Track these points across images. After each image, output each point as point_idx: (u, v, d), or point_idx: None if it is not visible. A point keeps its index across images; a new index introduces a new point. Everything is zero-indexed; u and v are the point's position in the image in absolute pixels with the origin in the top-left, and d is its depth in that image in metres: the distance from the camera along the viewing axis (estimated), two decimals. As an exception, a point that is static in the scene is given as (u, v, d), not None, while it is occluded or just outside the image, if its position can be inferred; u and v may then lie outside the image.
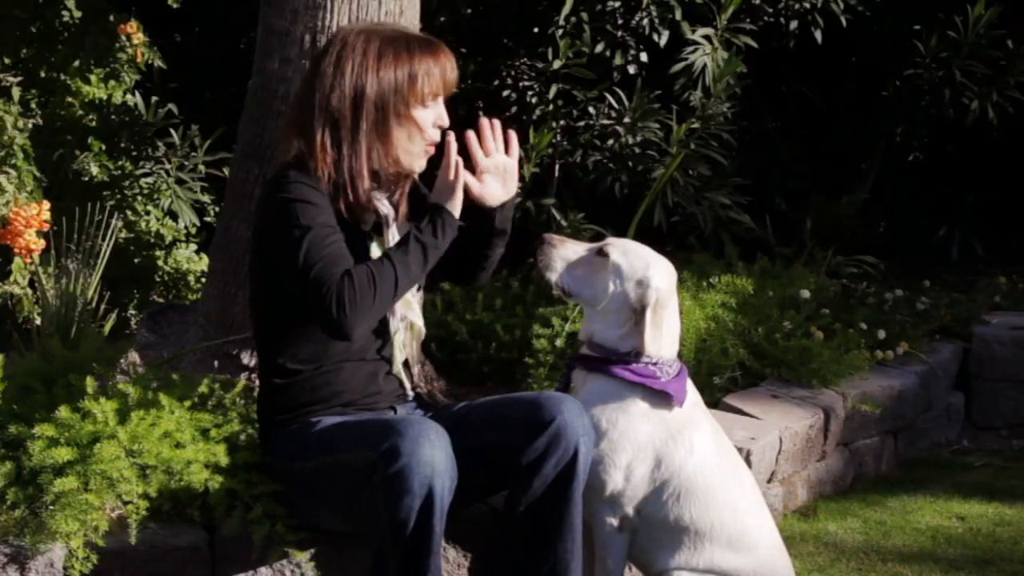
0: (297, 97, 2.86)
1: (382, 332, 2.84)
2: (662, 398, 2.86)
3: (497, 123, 2.82)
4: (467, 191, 2.76)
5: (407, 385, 2.91)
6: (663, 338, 2.87)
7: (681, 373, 2.93)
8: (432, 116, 2.79)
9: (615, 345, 2.88)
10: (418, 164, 2.83)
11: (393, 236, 2.84)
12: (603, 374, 2.88)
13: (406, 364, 2.96)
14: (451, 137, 2.74)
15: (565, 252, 2.94)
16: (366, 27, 2.81)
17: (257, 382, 3.53)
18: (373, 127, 2.73)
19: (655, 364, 2.86)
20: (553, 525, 2.70)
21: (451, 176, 2.72)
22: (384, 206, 2.83)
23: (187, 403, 2.96)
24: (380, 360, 2.86)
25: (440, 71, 2.77)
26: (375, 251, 2.80)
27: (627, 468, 2.83)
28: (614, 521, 2.86)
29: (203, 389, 3.16)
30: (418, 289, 2.94)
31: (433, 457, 2.48)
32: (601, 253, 2.90)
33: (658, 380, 2.85)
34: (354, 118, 2.72)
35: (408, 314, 2.90)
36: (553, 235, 2.98)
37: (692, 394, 2.95)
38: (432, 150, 2.83)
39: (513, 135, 2.83)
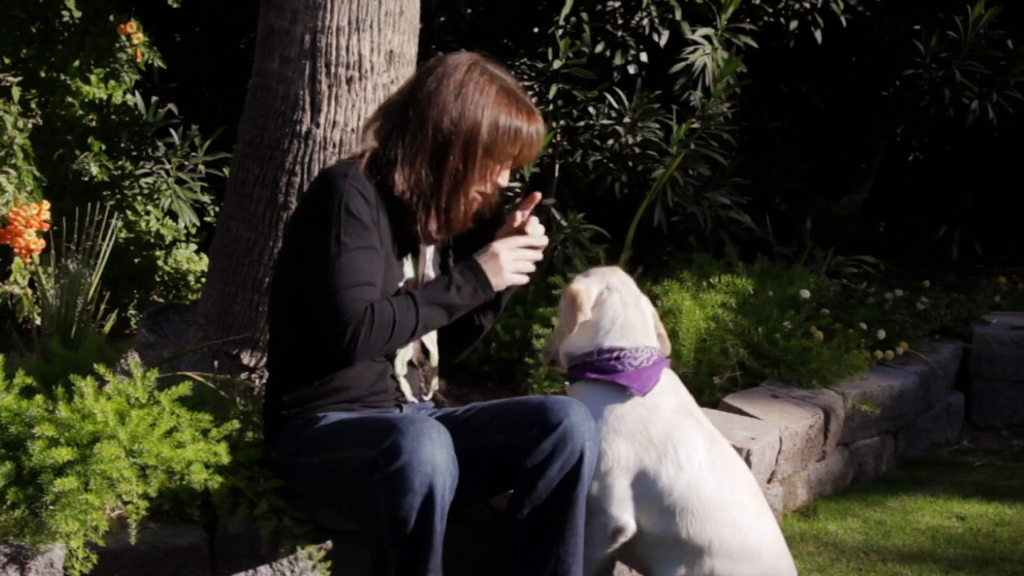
0: (398, 106, 2.82)
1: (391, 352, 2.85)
2: (621, 390, 2.90)
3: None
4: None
5: (407, 393, 2.91)
6: (584, 311, 2.94)
7: (655, 365, 2.95)
8: (502, 173, 2.82)
9: (577, 349, 2.98)
10: (468, 213, 2.84)
11: (427, 259, 2.87)
12: (578, 380, 2.97)
13: (413, 373, 2.97)
14: (532, 203, 2.83)
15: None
16: (480, 63, 2.81)
17: (257, 382, 3.54)
18: (474, 167, 2.75)
19: (617, 358, 2.91)
20: (556, 528, 2.70)
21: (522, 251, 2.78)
22: None
23: (187, 403, 2.95)
24: (389, 361, 2.87)
25: (536, 139, 2.81)
26: (408, 270, 2.83)
27: (605, 473, 2.85)
28: (605, 524, 2.86)
29: (203, 389, 3.16)
30: None
31: (434, 455, 2.49)
32: None
33: (619, 373, 2.90)
34: (465, 153, 2.74)
35: (424, 341, 2.93)
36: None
37: (679, 400, 2.96)
38: (479, 203, 2.84)
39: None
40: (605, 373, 2.91)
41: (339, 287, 2.63)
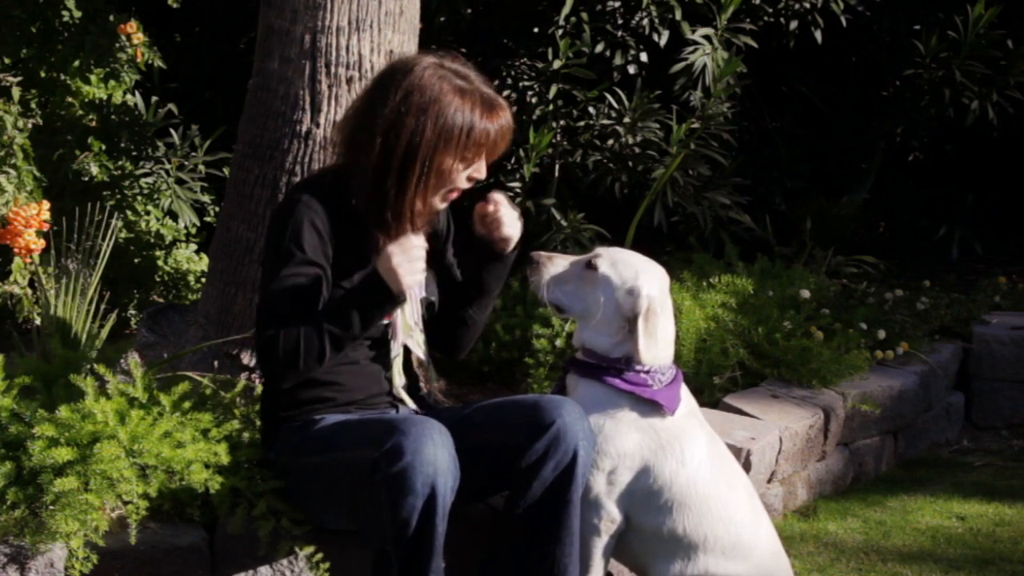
0: (355, 115, 2.81)
1: (382, 357, 2.85)
2: (652, 406, 2.85)
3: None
4: (486, 214, 2.79)
5: (410, 405, 2.91)
6: (657, 345, 2.86)
7: (675, 380, 2.91)
8: (471, 170, 2.78)
9: (607, 351, 2.89)
10: (439, 206, 2.83)
11: None
12: (595, 380, 2.88)
13: (414, 382, 2.97)
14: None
15: (554, 269, 2.93)
16: (438, 65, 2.75)
17: (257, 382, 3.53)
18: (420, 172, 2.71)
19: (647, 372, 2.85)
20: (551, 528, 2.70)
21: (414, 263, 2.63)
22: None
23: (187, 403, 2.95)
24: (383, 365, 2.87)
25: (497, 135, 2.75)
26: None
27: (610, 473, 2.83)
28: (599, 524, 2.85)
29: (203, 389, 3.16)
30: (423, 317, 2.94)
31: (436, 456, 2.49)
32: (590, 266, 2.90)
33: (649, 388, 2.84)
34: (406, 160, 2.70)
35: (408, 342, 2.91)
36: (541, 253, 2.97)
37: (686, 403, 2.94)
38: (457, 195, 2.82)
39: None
40: (633, 385, 2.84)
41: (262, 303, 2.70)
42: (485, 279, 2.90)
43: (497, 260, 2.87)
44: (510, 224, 2.82)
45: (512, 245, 2.86)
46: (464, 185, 2.80)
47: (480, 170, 2.79)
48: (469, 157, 2.74)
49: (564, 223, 5.09)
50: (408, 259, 2.61)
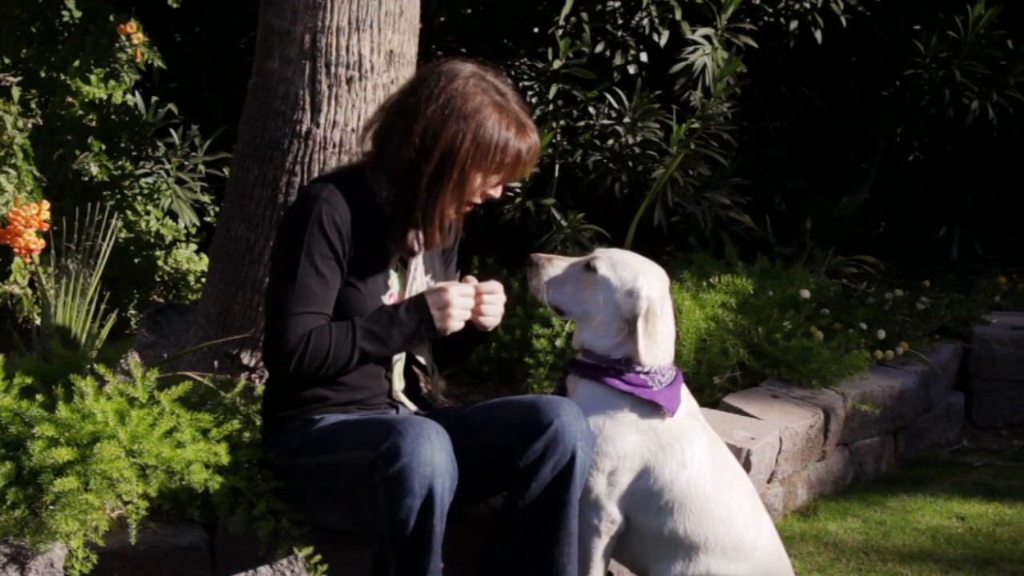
0: (393, 111, 2.81)
1: (384, 358, 2.85)
2: (652, 407, 2.86)
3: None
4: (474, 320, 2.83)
5: (410, 407, 2.92)
6: (657, 347, 2.86)
7: (675, 381, 2.91)
8: (489, 187, 2.80)
9: (607, 352, 2.89)
10: (454, 215, 2.85)
11: (416, 268, 2.87)
12: (594, 381, 2.89)
13: (414, 383, 2.97)
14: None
15: (553, 271, 2.94)
16: (479, 74, 2.77)
17: (257, 382, 3.54)
18: (457, 179, 2.73)
19: (647, 373, 2.85)
20: (549, 528, 2.70)
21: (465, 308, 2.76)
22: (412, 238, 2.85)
23: (187, 403, 2.95)
24: (385, 367, 2.87)
25: (528, 156, 2.77)
26: (394, 282, 2.84)
27: (610, 474, 2.83)
28: (599, 525, 2.85)
29: (203, 389, 3.16)
30: None
31: (434, 457, 2.49)
32: (589, 268, 2.91)
33: (648, 389, 2.85)
34: (441, 166, 2.71)
35: (415, 354, 2.92)
36: (540, 255, 2.99)
37: (687, 404, 2.94)
38: (469, 208, 2.84)
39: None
40: (633, 386, 2.85)
41: (285, 312, 2.69)
42: (460, 343, 2.93)
43: (472, 335, 2.90)
44: (494, 315, 2.85)
45: (489, 330, 2.90)
46: (477, 200, 2.81)
47: (497, 189, 2.81)
48: (494, 173, 2.77)
49: (564, 223, 5.09)
50: (463, 305, 2.74)
